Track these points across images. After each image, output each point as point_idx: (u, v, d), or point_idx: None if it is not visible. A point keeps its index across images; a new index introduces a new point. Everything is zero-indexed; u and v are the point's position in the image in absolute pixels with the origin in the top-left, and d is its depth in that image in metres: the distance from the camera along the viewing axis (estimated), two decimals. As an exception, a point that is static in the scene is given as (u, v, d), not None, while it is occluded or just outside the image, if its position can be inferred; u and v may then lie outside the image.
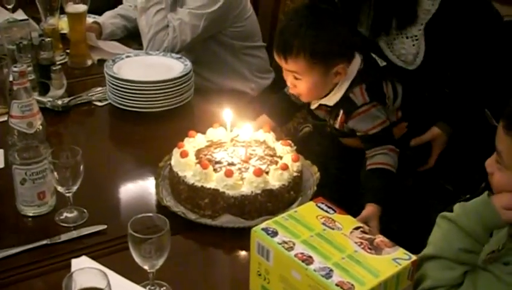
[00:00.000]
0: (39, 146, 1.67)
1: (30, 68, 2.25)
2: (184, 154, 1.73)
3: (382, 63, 2.02)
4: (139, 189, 1.89)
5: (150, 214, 1.41)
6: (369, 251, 1.29)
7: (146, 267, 1.37)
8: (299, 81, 1.89)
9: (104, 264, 1.46)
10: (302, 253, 1.27)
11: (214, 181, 1.67)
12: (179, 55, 2.47)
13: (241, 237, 1.54)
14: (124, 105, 2.22)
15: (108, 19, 2.93)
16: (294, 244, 1.29)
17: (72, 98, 2.29)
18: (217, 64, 2.87)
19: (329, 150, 2.19)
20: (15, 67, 1.67)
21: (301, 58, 1.83)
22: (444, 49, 2.05)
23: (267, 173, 1.70)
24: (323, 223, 1.36)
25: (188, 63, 2.37)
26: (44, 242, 1.58)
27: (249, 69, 2.91)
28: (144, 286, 1.42)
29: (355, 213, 1.51)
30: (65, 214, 1.69)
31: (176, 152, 1.77)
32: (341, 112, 1.93)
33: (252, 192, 1.65)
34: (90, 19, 2.84)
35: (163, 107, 2.22)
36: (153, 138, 2.13)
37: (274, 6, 3.06)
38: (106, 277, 1.19)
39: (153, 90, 2.21)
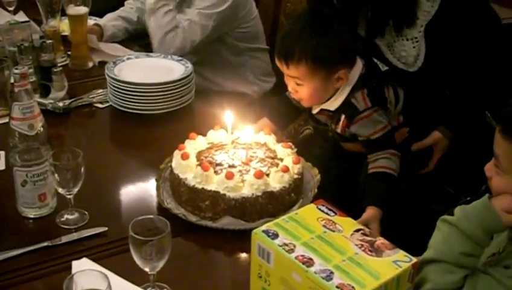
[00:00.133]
0: (40, 148, 1.68)
1: (31, 70, 2.25)
2: (185, 157, 1.74)
3: (384, 68, 2.02)
4: (139, 191, 1.89)
5: (151, 216, 1.42)
6: (369, 253, 1.29)
7: (147, 269, 1.37)
8: (301, 87, 1.89)
9: (104, 266, 1.46)
10: (302, 255, 1.27)
11: (215, 183, 1.67)
12: (179, 58, 2.47)
13: (242, 239, 1.54)
14: (125, 107, 2.23)
15: (110, 21, 2.93)
16: (294, 246, 1.29)
17: (73, 100, 2.30)
18: (221, 65, 2.88)
19: (330, 154, 2.19)
20: (16, 69, 1.67)
21: (303, 64, 1.83)
22: (444, 51, 2.05)
23: (267, 175, 1.70)
24: (324, 226, 1.36)
25: (189, 65, 2.37)
26: (45, 244, 1.58)
27: (253, 72, 2.91)
28: (145, 288, 1.42)
29: (355, 216, 1.51)
30: (66, 216, 1.69)
31: (176, 154, 1.78)
32: (343, 116, 1.93)
33: (252, 194, 1.65)
34: (91, 21, 2.84)
35: (164, 109, 2.22)
36: (154, 140, 2.14)
37: (274, 9, 3.06)
38: (107, 279, 1.19)
39: (154, 93, 2.21)
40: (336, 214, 1.40)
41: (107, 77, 2.29)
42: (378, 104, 1.91)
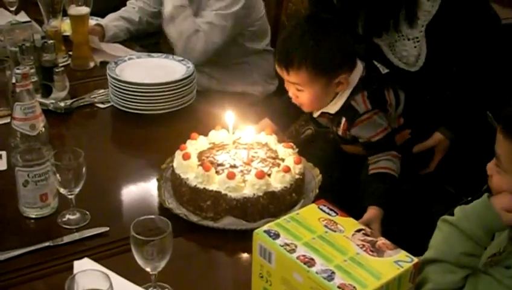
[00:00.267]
0: (42, 148, 1.68)
1: (33, 70, 2.25)
2: (186, 157, 1.74)
3: (384, 70, 2.02)
4: (141, 191, 1.90)
5: (152, 216, 1.42)
6: (371, 253, 1.29)
7: (148, 269, 1.37)
8: (301, 92, 1.89)
9: (106, 266, 1.46)
10: (304, 255, 1.27)
11: (216, 183, 1.67)
12: (181, 58, 2.47)
13: (243, 239, 1.54)
14: (126, 107, 2.23)
15: (111, 21, 2.93)
16: (296, 246, 1.29)
17: (74, 100, 2.30)
18: (230, 65, 2.88)
19: (331, 155, 2.19)
20: (18, 69, 1.67)
21: (303, 70, 1.82)
22: (445, 51, 2.05)
23: (269, 175, 1.70)
24: (325, 226, 1.36)
25: (191, 65, 2.37)
26: (46, 244, 1.59)
27: (259, 73, 2.91)
28: (146, 288, 1.43)
29: (357, 216, 1.51)
30: (67, 216, 1.69)
31: (178, 154, 1.78)
32: (343, 119, 1.93)
33: (254, 194, 1.65)
34: (92, 21, 2.84)
35: (165, 109, 2.22)
36: (155, 140, 2.14)
37: (276, 9, 3.06)
38: (108, 279, 1.19)
39: (156, 93, 2.21)
40: (337, 214, 1.40)
41: (108, 77, 2.29)
42: (378, 106, 1.91)
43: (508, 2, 2.81)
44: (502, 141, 1.36)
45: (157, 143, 2.11)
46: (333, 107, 1.93)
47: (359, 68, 1.93)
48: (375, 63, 2.02)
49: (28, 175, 1.65)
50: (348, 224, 1.38)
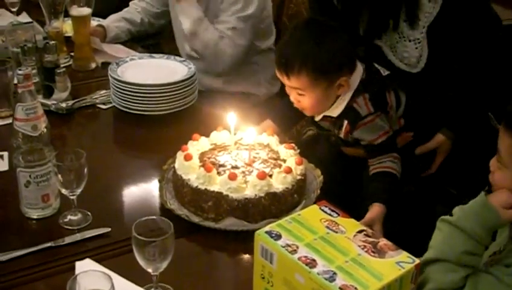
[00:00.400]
0: (43, 149, 1.68)
1: (34, 71, 2.26)
2: (188, 157, 1.74)
3: (385, 72, 2.02)
4: (142, 192, 1.90)
5: (154, 217, 1.42)
6: (372, 254, 1.29)
7: (150, 270, 1.37)
8: (303, 97, 1.89)
9: (108, 267, 1.46)
10: (305, 256, 1.27)
11: (218, 184, 1.67)
12: (182, 59, 2.48)
13: (245, 240, 1.54)
14: (128, 108, 2.23)
15: (113, 22, 2.93)
16: (297, 247, 1.29)
17: (76, 100, 2.30)
18: (240, 64, 2.87)
19: (333, 157, 2.18)
20: (20, 70, 1.67)
21: (303, 74, 1.83)
22: (447, 52, 2.05)
23: (270, 176, 1.70)
24: (327, 227, 1.36)
25: (192, 66, 2.38)
26: (48, 245, 1.59)
27: (264, 73, 2.90)
28: (148, 289, 1.43)
29: (358, 217, 1.51)
30: (69, 217, 1.69)
31: (179, 155, 1.78)
32: (345, 122, 1.93)
33: (255, 195, 1.65)
34: (94, 22, 2.85)
35: (167, 110, 2.22)
36: (157, 140, 2.14)
37: (277, 10, 3.06)
38: (110, 280, 1.19)
39: (157, 93, 2.21)
40: (338, 215, 1.40)
41: (110, 77, 2.29)
42: (380, 108, 1.91)
43: (510, 3, 2.81)
44: (503, 136, 1.38)
45: (159, 144, 2.11)
46: (335, 111, 1.93)
47: (359, 70, 1.93)
48: (376, 65, 2.02)
49: (30, 176, 1.65)
50: (350, 225, 1.38)
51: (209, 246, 1.66)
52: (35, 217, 1.70)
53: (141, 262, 1.36)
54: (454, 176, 2.18)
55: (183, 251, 1.56)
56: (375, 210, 1.75)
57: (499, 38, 2.06)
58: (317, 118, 2.00)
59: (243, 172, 1.73)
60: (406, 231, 1.94)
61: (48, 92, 2.29)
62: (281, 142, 1.89)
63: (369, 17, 2.08)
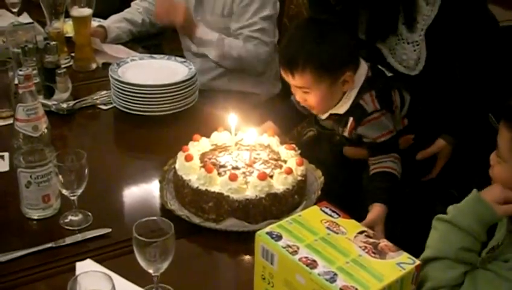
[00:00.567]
0: (44, 149, 1.68)
1: (35, 71, 2.26)
2: (188, 158, 1.74)
3: (388, 74, 2.03)
4: (143, 192, 1.90)
5: (155, 218, 1.42)
6: (373, 255, 1.29)
7: (150, 270, 1.37)
8: (309, 95, 1.89)
9: (108, 267, 1.46)
10: (306, 257, 1.27)
11: (218, 185, 1.67)
12: (183, 59, 2.48)
13: (246, 241, 1.54)
14: (128, 108, 2.23)
15: (114, 22, 2.93)
16: (298, 248, 1.29)
17: (76, 101, 2.30)
18: None
19: (333, 157, 2.18)
20: (20, 70, 1.67)
21: (308, 71, 1.83)
22: (445, 54, 2.05)
23: (271, 177, 1.70)
24: (328, 228, 1.36)
25: (192, 67, 2.38)
26: (49, 245, 1.59)
27: (268, 72, 2.91)
28: (148, 290, 1.43)
29: (359, 218, 1.51)
30: (70, 217, 1.69)
31: (180, 156, 1.78)
32: (351, 119, 1.93)
33: (256, 196, 1.65)
34: (95, 23, 2.85)
35: (167, 110, 2.22)
36: (158, 141, 2.14)
37: (278, 13, 3.05)
38: (111, 280, 1.19)
39: (158, 94, 2.21)
40: (339, 216, 1.41)
41: (110, 78, 2.29)
42: (386, 106, 1.92)
43: (509, 5, 2.81)
44: (503, 131, 1.41)
45: (159, 144, 2.11)
46: (341, 108, 1.94)
47: (364, 68, 1.93)
48: (379, 66, 2.03)
49: (31, 176, 1.65)
50: (350, 226, 1.38)
51: (209, 246, 1.66)
52: (35, 217, 1.70)
53: (142, 263, 1.36)
54: (455, 177, 2.18)
55: (184, 251, 1.56)
56: (376, 210, 1.75)
57: (496, 40, 2.06)
58: (324, 117, 2.00)
59: (244, 173, 1.73)
60: (407, 232, 1.94)
61: (49, 93, 2.29)
62: (282, 143, 1.89)
63: (368, 20, 2.09)
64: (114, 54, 2.72)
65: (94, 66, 2.68)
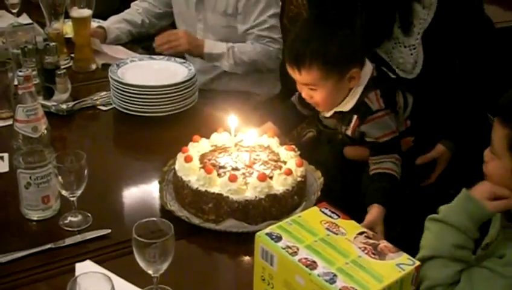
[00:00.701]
0: (44, 150, 1.68)
1: (35, 72, 2.26)
2: (188, 159, 1.74)
3: (391, 76, 2.03)
4: (143, 193, 1.90)
5: (154, 219, 1.42)
6: (373, 256, 1.29)
7: (150, 271, 1.37)
8: (315, 92, 1.90)
9: (108, 268, 1.46)
10: (306, 258, 1.27)
11: (218, 186, 1.67)
12: (183, 60, 2.48)
13: (245, 242, 1.54)
14: (128, 109, 2.23)
15: (114, 23, 2.93)
16: (298, 249, 1.29)
17: (76, 102, 2.30)
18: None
19: (333, 159, 2.18)
20: (20, 71, 1.67)
21: (314, 68, 1.84)
22: (442, 58, 2.05)
23: (271, 178, 1.70)
24: (327, 228, 1.36)
25: (192, 67, 2.38)
26: (48, 246, 1.59)
27: (269, 70, 2.91)
28: (148, 291, 1.43)
29: (359, 219, 1.51)
30: (69, 218, 1.69)
31: (180, 157, 1.78)
32: (355, 117, 1.93)
33: (255, 197, 1.65)
34: (94, 24, 2.85)
35: (167, 111, 2.22)
36: (157, 142, 2.14)
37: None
38: (110, 281, 1.19)
39: (157, 95, 2.21)
40: (339, 217, 1.41)
41: (110, 79, 2.29)
42: (390, 106, 1.92)
43: (508, 5, 2.81)
44: (496, 127, 1.44)
45: (159, 145, 2.11)
46: (346, 106, 1.94)
47: (369, 67, 1.94)
48: (384, 69, 2.03)
49: (30, 177, 1.65)
50: (350, 227, 1.38)
51: (209, 247, 1.66)
52: (35, 218, 1.70)
53: (141, 264, 1.36)
54: (455, 178, 2.18)
55: (184, 252, 1.56)
56: (375, 211, 1.75)
57: (492, 42, 2.06)
58: (328, 114, 2.00)
59: (243, 174, 1.74)
60: (406, 233, 1.94)
61: (48, 94, 2.29)
62: (281, 144, 1.89)
63: (364, 25, 2.08)
64: (114, 54, 2.72)
65: (94, 67, 2.68)
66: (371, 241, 1.34)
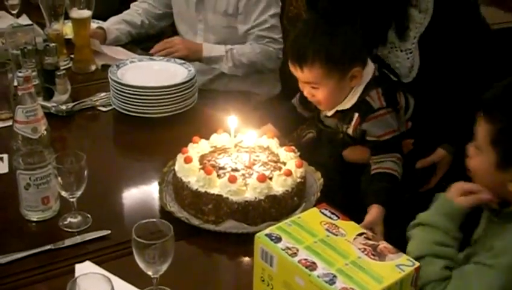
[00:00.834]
0: (43, 151, 1.68)
1: (34, 73, 2.25)
2: (188, 160, 1.74)
3: (393, 78, 2.04)
4: (142, 194, 1.90)
5: (154, 220, 1.42)
6: (372, 257, 1.29)
7: (150, 272, 1.37)
8: (316, 90, 1.90)
9: (107, 269, 1.46)
10: (305, 259, 1.27)
11: (218, 187, 1.67)
12: (182, 61, 2.48)
13: (245, 243, 1.54)
14: (127, 110, 2.23)
15: (113, 24, 2.93)
16: (297, 250, 1.29)
17: (76, 103, 2.30)
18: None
19: (333, 161, 2.18)
20: (20, 72, 1.68)
21: (317, 66, 1.84)
22: (439, 62, 2.05)
23: (270, 178, 1.70)
24: (327, 229, 1.36)
25: (192, 68, 2.38)
26: (48, 247, 1.59)
27: (269, 70, 2.91)
28: (148, 292, 1.43)
29: (359, 220, 1.51)
30: (69, 219, 1.69)
31: (179, 158, 1.78)
32: (356, 115, 1.93)
33: (255, 198, 1.65)
34: (94, 24, 2.85)
35: (167, 112, 2.22)
36: (157, 143, 2.14)
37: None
38: (110, 282, 1.19)
39: (157, 96, 2.21)
40: (338, 218, 1.41)
41: (110, 80, 2.29)
42: (391, 105, 1.92)
43: (508, 7, 2.82)
44: (481, 122, 1.49)
45: (159, 146, 2.11)
46: (347, 104, 1.94)
47: (371, 67, 1.95)
48: (385, 71, 2.03)
49: (30, 178, 1.65)
50: (350, 228, 1.38)
51: (209, 248, 1.66)
52: (35, 219, 1.69)
53: (141, 265, 1.36)
54: (454, 179, 2.18)
55: (183, 253, 1.56)
56: (374, 212, 1.75)
57: (489, 45, 2.07)
58: (330, 113, 2.00)
59: (243, 175, 1.74)
60: (405, 232, 1.94)
61: (48, 94, 2.29)
62: (281, 144, 1.89)
63: (362, 29, 2.08)
64: (113, 55, 2.72)
65: (93, 67, 2.68)
66: (371, 242, 1.34)
